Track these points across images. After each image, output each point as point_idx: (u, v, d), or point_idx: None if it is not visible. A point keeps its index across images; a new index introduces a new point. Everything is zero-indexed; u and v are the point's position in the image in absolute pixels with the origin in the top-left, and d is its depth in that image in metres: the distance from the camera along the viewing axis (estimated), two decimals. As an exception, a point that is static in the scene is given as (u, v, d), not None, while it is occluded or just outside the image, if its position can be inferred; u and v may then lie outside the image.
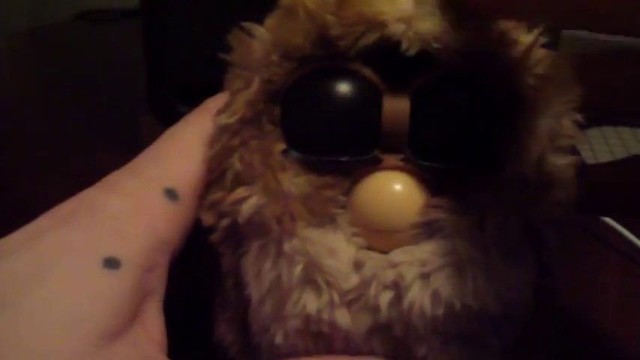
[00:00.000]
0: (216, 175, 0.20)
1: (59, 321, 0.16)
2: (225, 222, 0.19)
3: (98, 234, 0.18)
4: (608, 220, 0.36)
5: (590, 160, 0.47)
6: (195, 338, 0.24)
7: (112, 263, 0.17)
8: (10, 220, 0.21)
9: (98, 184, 0.20)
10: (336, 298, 0.18)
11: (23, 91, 0.63)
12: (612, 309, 0.30)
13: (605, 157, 0.48)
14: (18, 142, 0.49)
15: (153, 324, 0.19)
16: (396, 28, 0.18)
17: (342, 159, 0.18)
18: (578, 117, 0.19)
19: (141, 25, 0.40)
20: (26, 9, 0.93)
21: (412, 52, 0.18)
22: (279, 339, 0.18)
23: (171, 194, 0.20)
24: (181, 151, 0.21)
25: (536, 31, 0.19)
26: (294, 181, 0.18)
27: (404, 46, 0.18)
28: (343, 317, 0.18)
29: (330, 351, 0.18)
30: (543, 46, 0.19)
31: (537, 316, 0.20)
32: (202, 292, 0.22)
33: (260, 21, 0.20)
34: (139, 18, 0.40)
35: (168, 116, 0.41)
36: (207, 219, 0.20)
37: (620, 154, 0.49)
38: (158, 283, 0.19)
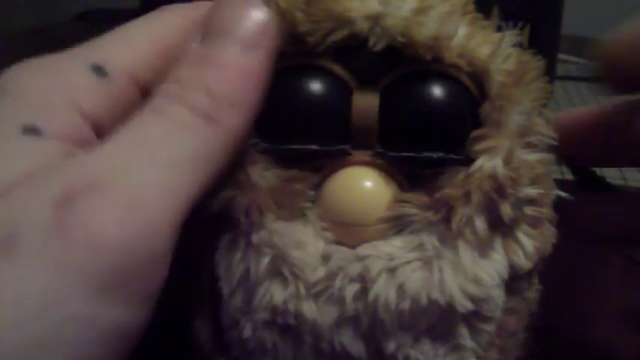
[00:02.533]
0: None
1: None
2: (198, 216, 0.19)
3: (12, 104, 0.17)
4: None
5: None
6: (172, 336, 0.24)
7: (31, 131, 0.16)
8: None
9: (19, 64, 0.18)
10: (302, 289, 0.18)
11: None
12: (612, 309, 0.30)
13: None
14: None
15: None
16: (363, 25, 0.18)
17: (310, 147, 0.19)
18: (549, 114, 0.20)
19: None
20: (26, 9, 0.93)
21: (379, 47, 0.18)
22: (247, 332, 0.19)
23: (98, 70, 0.18)
24: (119, 36, 0.19)
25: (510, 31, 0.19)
26: (263, 174, 0.18)
27: (371, 41, 0.18)
28: (309, 309, 0.18)
29: (298, 345, 0.18)
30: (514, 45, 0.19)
31: (514, 315, 0.20)
32: (180, 289, 0.22)
33: None
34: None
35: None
36: None
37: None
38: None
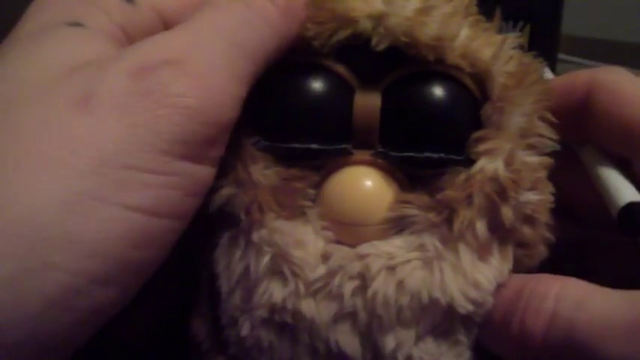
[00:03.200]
0: None
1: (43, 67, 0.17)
2: (199, 214, 0.19)
3: (54, 8, 0.19)
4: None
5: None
6: (171, 334, 0.24)
7: (77, 25, 0.18)
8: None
9: None
10: (301, 288, 0.18)
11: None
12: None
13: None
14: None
15: None
16: (367, 24, 0.18)
17: (311, 146, 0.19)
18: (550, 116, 0.19)
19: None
20: (26, 9, 0.93)
21: (382, 47, 0.18)
22: (245, 330, 0.19)
23: None
24: None
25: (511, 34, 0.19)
26: (264, 173, 0.18)
27: (374, 41, 0.18)
28: (308, 306, 0.18)
29: (295, 344, 0.18)
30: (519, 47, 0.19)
31: None
32: (179, 288, 0.22)
33: None
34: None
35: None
36: None
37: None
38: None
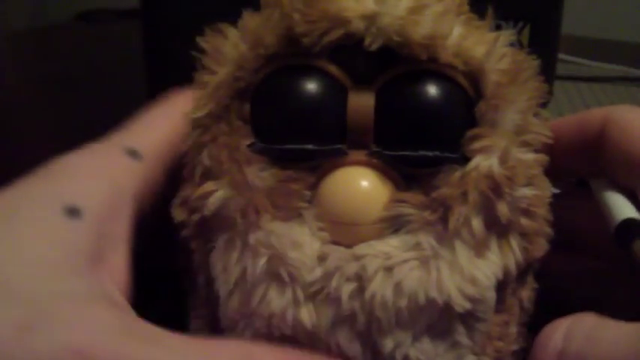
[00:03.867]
0: (188, 171, 0.20)
1: (18, 258, 0.17)
2: (195, 217, 0.19)
3: (57, 183, 0.19)
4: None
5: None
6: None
7: (73, 212, 0.18)
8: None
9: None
10: (299, 293, 0.18)
11: (23, 91, 0.63)
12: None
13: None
14: (18, 142, 0.49)
15: (115, 272, 0.19)
16: (359, 24, 0.18)
17: (307, 147, 0.19)
18: (545, 113, 0.20)
19: (141, 25, 0.40)
20: (26, 9, 0.93)
21: (375, 46, 0.18)
22: (247, 336, 0.19)
23: (133, 153, 0.21)
24: (145, 123, 0.22)
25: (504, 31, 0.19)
26: (260, 175, 0.18)
27: (367, 41, 0.18)
28: (307, 315, 0.18)
29: (296, 346, 0.18)
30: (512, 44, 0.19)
31: (507, 312, 0.20)
32: (176, 291, 0.23)
33: (233, 23, 0.20)
34: (139, 18, 0.40)
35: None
36: (179, 215, 0.20)
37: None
38: (124, 232, 0.20)
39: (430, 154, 0.18)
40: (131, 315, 0.18)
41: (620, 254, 0.20)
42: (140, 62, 0.40)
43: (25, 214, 0.18)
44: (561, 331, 0.18)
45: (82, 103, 0.58)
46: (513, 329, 0.21)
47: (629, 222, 0.20)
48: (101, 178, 0.19)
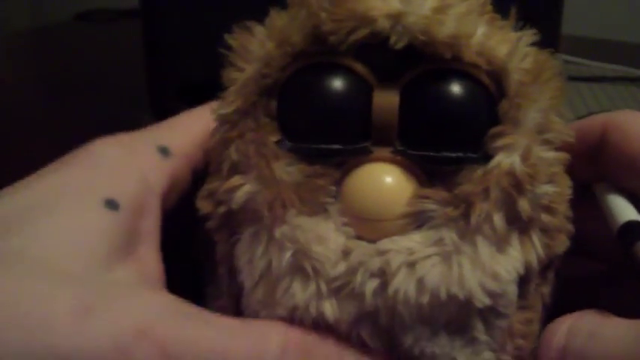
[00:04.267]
0: (215, 166, 0.20)
1: (66, 246, 0.18)
2: (221, 210, 0.20)
3: (96, 176, 0.20)
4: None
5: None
6: None
7: (112, 204, 0.19)
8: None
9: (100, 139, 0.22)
10: (323, 287, 0.18)
11: (23, 91, 0.63)
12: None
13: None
14: (18, 142, 0.49)
15: (149, 265, 0.20)
16: (385, 23, 0.18)
17: (333, 147, 0.19)
18: (566, 112, 0.20)
19: (141, 25, 0.40)
20: (26, 9, 0.93)
21: (400, 45, 0.18)
22: None
23: (163, 150, 0.22)
24: (179, 122, 0.23)
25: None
26: (287, 170, 0.19)
27: (392, 40, 0.18)
28: (330, 308, 0.18)
29: None
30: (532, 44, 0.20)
31: (529, 309, 0.21)
32: (195, 281, 0.23)
33: (260, 20, 0.20)
34: (139, 18, 0.40)
35: (169, 116, 0.42)
36: (204, 207, 0.20)
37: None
38: (153, 228, 0.21)
39: (453, 155, 0.19)
40: (179, 299, 0.18)
41: (624, 257, 0.20)
42: (140, 62, 0.40)
43: (67, 206, 0.19)
44: (564, 327, 0.19)
45: (81, 103, 0.58)
46: (536, 327, 0.21)
47: (631, 224, 0.20)
48: (133, 174, 0.20)
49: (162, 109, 0.42)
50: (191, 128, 0.23)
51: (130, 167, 0.21)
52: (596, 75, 0.70)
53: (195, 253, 0.23)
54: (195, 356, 0.17)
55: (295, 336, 0.18)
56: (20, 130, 0.52)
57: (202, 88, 0.25)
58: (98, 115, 0.55)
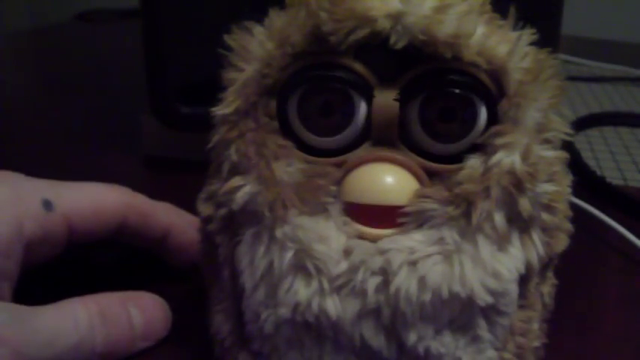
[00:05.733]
0: (214, 167, 0.20)
1: None
2: (222, 212, 0.20)
3: None
4: (608, 220, 0.36)
5: (590, 161, 0.47)
6: (192, 330, 0.25)
7: None
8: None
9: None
10: (325, 285, 0.18)
11: (23, 91, 0.63)
12: (612, 309, 0.30)
13: (605, 157, 0.48)
14: (18, 142, 0.49)
15: (3, 299, 0.23)
16: (385, 23, 0.18)
17: (334, 148, 0.19)
18: (566, 111, 0.20)
19: (141, 25, 0.40)
20: (26, 9, 0.93)
21: (400, 45, 0.18)
22: (268, 327, 0.19)
23: (47, 204, 0.25)
24: (77, 188, 0.27)
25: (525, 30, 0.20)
26: (287, 170, 0.19)
27: (392, 40, 0.18)
28: (332, 305, 0.18)
29: (320, 338, 0.19)
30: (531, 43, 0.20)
31: (529, 308, 0.21)
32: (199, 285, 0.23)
33: (259, 21, 0.20)
34: (139, 18, 0.40)
35: (169, 116, 0.42)
36: (205, 210, 0.21)
37: (620, 154, 0.49)
38: (14, 270, 0.24)
39: (453, 154, 0.19)
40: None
41: None
42: (140, 62, 0.40)
43: None
44: None
45: (81, 103, 0.58)
46: (536, 325, 0.21)
47: None
48: (10, 219, 0.23)
49: (162, 109, 0.42)
50: (83, 196, 0.26)
51: (8, 212, 0.23)
52: (596, 75, 0.70)
53: (199, 257, 0.23)
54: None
55: (93, 305, 0.23)
56: (20, 130, 0.52)
57: (202, 89, 0.25)
58: (98, 115, 0.55)
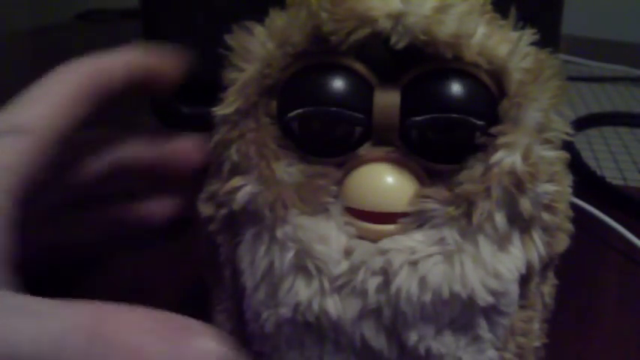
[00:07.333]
0: (215, 167, 0.20)
1: None
2: (222, 212, 0.20)
3: None
4: (608, 220, 0.36)
5: (590, 161, 0.47)
6: None
7: None
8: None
9: None
10: (326, 284, 0.18)
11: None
12: (612, 309, 0.30)
13: (605, 157, 0.48)
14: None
15: None
16: (386, 23, 0.18)
17: (335, 149, 0.19)
18: (567, 111, 0.20)
19: (141, 25, 0.40)
20: (26, 9, 0.93)
21: (401, 45, 0.18)
22: (269, 327, 0.19)
23: (16, 130, 0.21)
24: (31, 97, 0.22)
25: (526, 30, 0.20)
26: (287, 170, 0.19)
27: (393, 40, 0.18)
28: (333, 305, 0.18)
29: (320, 338, 0.19)
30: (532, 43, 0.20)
31: (530, 308, 0.21)
32: (200, 285, 0.23)
33: (259, 21, 0.20)
34: (139, 18, 0.40)
35: (169, 116, 0.42)
36: (206, 210, 0.21)
37: (620, 154, 0.49)
38: (3, 204, 0.19)
39: (454, 154, 0.19)
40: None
41: None
42: (140, 62, 0.40)
43: None
44: None
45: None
46: (536, 325, 0.21)
47: None
48: None
49: (162, 109, 0.42)
50: (46, 100, 0.22)
51: None
52: (596, 75, 0.70)
53: (200, 257, 0.23)
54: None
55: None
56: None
57: (202, 89, 0.25)
58: (98, 115, 0.54)
